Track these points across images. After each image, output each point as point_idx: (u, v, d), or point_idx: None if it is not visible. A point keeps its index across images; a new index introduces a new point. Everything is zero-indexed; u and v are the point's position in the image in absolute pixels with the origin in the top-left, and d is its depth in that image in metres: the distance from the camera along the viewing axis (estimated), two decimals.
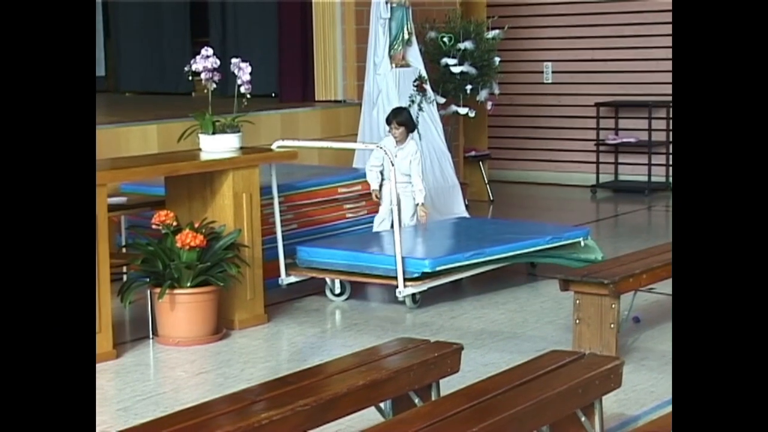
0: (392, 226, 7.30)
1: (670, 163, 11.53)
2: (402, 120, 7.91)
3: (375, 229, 7.89)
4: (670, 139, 11.47)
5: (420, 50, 9.53)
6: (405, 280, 6.85)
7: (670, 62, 10.12)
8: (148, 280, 6.30)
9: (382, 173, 7.90)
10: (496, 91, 10.32)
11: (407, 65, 9.37)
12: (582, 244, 7.69)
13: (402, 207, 7.72)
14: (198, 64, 6.63)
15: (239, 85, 6.68)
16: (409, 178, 7.83)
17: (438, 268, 6.97)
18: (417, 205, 7.85)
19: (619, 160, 11.89)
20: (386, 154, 7.27)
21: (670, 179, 11.55)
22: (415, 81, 9.33)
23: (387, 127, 7.99)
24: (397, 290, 6.86)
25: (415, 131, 8.05)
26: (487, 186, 11.23)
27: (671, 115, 11.18)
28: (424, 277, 6.94)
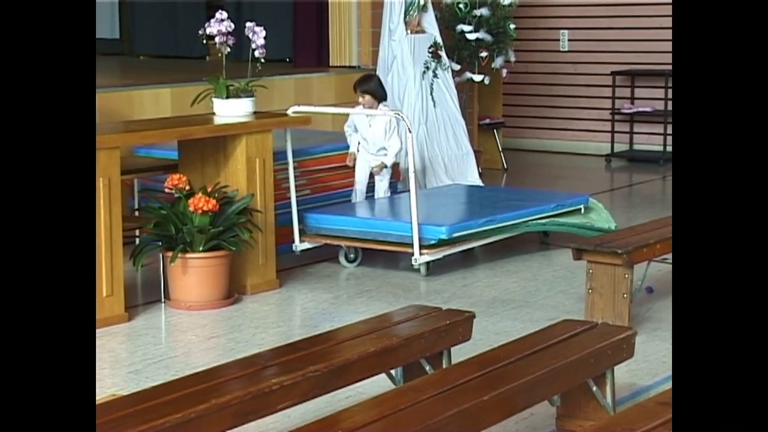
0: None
1: None
2: (366, 88, 7.75)
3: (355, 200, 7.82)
4: None
5: (435, 16, 9.48)
6: (421, 247, 6.84)
7: None
8: (160, 243, 6.29)
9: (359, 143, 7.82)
10: (512, 59, 10.27)
11: (422, 31, 9.32)
12: (582, 211, 7.67)
13: (377, 181, 7.79)
14: (212, 28, 6.60)
15: (253, 50, 6.66)
16: (384, 151, 7.77)
17: (454, 235, 6.95)
18: (385, 166, 7.74)
19: (635, 130, 11.84)
20: (405, 120, 7.23)
21: None
22: (430, 47, 9.28)
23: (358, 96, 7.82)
24: (412, 258, 6.84)
25: (385, 101, 7.84)
26: (501, 154, 11.19)
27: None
28: (441, 244, 6.92)
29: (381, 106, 7.75)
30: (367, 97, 7.73)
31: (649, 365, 5.21)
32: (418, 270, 6.92)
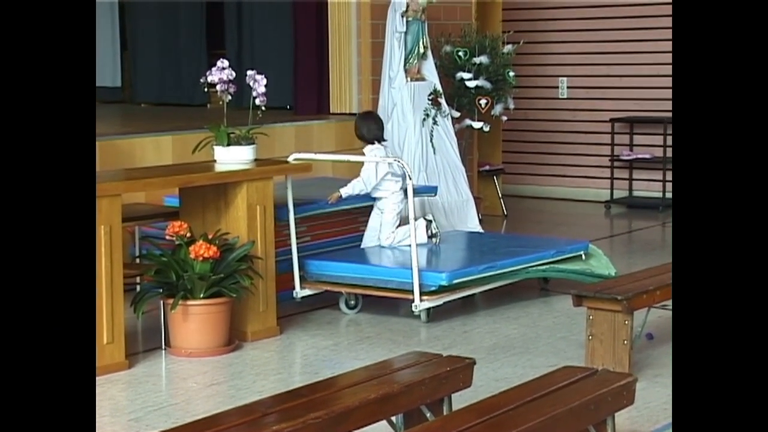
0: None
1: None
2: (358, 133, 7.78)
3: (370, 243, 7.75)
4: None
5: (435, 64, 9.54)
6: (421, 293, 6.84)
7: None
8: (161, 290, 6.30)
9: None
10: (511, 106, 10.33)
11: (422, 79, 9.38)
12: (582, 257, 7.68)
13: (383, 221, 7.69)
14: (213, 76, 6.65)
15: (254, 97, 6.70)
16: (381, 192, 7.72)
17: (455, 282, 6.96)
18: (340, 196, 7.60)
19: (634, 176, 11.88)
20: (406, 168, 7.24)
21: None
22: (429, 95, 9.33)
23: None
24: (413, 304, 6.84)
25: (376, 143, 7.70)
26: (501, 200, 11.22)
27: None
28: (441, 290, 6.93)
29: (370, 147, 7.68)
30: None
31: (649, 412, 5.20)
32: (418, 316, 6.93)
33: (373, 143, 7.72)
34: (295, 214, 7.16)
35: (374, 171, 7.60)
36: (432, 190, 8.40)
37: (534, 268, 7.46)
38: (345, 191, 7.57)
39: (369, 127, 7.78)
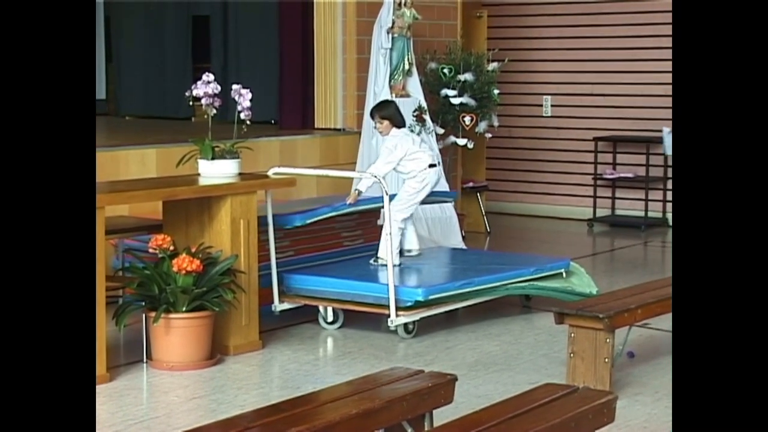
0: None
1: (668, 198, 11.56)
2: (385, 114, 7.69)
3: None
4: (668, 175, 11.50)
5: (420, 81, 9.58)
6: (397, 309, 6.85)
7: (669, 99, 10.21)
8: (143, 303, 6.29)
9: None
10: (495, 124, 10.37)
11: (407, 95, 9.41)
12: (563, 275, 7.71)
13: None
14: (199, 90, 6.66)
15: (239, 112, 6.71)
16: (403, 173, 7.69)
17: (431, 297, 6.97)
18: (356, 190, 7.55)
19: (617, 195, 11.92)
20: (382, 182, 7.21)
21: (667, 215, 11.57)
22: (414, 111, 9.36)
23: (371, 122, 7.82)
24: (389, 320, 6.85)
25: (404, 128, 7.77)
26: (484, 218, 11.24)
27: (669, 150, 11.23)
28: (417, 306, 6.94)
29: (395, 130, 7.65)
30: (386, 122, 7.67)
31: (630, 430, 5.22)
32: (397, 332, 6.93)
33: (399, 128, 7.70)
34: (276, 226, 7.15)
35: (388, 159, 7.53)
36: (451, 195, 8.41)
37: (514, 285, 7.48)
38: (362, 187, 7.51)
39: (399, 112, 7.78)
